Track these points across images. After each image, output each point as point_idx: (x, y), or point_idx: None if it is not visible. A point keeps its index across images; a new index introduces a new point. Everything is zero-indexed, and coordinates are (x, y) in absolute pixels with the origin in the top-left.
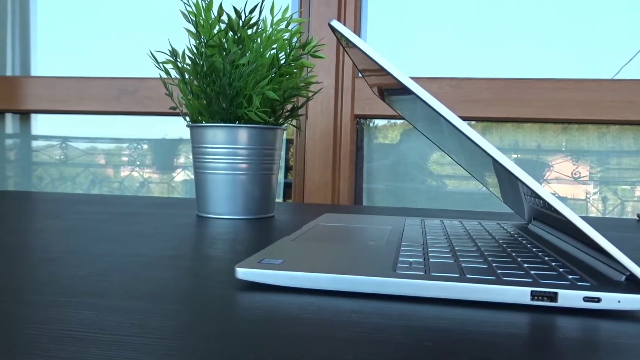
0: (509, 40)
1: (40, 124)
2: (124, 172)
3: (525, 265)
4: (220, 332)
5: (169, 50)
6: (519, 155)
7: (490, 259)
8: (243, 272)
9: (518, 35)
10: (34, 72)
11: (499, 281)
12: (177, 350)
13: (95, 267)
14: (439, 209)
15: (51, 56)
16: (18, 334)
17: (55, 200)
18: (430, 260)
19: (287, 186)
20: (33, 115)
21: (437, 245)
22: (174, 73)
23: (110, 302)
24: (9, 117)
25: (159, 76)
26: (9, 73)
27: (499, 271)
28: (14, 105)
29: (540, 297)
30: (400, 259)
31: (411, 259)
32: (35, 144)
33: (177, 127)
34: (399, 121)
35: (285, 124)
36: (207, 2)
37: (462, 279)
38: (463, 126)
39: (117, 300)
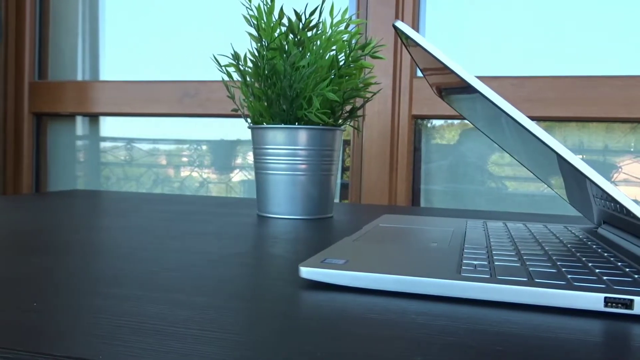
0: (575, 36)
1: (108, 126)
2: (184, 172)
3: (597, 270)
4: (288, 329)
5: (231, 54)
6: (584, 156)
7: (559, 263)
8: (307, 271)
9: (584, 31)
10: (103, 76)
11: (569, 286)
12: (247, 345)
13: (165, 263)
14: (501, 212)
15: (119, 61)
16: (100, 325)
17: (123, 199)
18: (496, 263)
19: (344, 187)
20: (102, 118)
21: (501, 248)
22: (235, 76)
23: (182, 297)
24: (79, 119)
25: (220, 79)
26: (79, 78)
27: (569, 276)
28: (84, 109)
29: (614, 304)
30: (464, 261)
31: (475, 262)
32: (102, 145)
33: (235, 129)
34: (456, 121)
35: (344, 125)
36: (268, 6)
37: (531, 283)
38: (530, 125)
39: (188, 296)
